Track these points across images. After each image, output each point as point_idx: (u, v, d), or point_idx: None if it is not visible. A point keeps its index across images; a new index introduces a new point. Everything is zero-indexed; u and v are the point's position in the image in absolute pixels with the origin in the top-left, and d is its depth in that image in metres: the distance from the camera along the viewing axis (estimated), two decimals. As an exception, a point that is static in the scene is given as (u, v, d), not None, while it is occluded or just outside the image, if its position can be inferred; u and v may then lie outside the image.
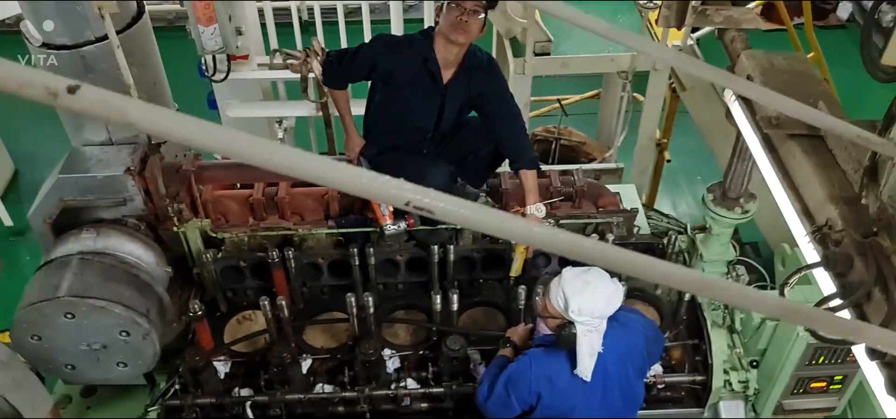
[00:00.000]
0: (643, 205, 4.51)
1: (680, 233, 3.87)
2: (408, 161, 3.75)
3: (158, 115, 0.74)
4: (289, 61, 5.88)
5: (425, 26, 4.18)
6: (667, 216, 4.34)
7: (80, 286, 3.40)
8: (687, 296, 3.56)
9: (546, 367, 3.00)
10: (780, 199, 1.87)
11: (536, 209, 3.67)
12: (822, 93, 1.82)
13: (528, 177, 3.71)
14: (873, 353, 1.48)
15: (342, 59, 3.79)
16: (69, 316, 3.38)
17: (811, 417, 3.72)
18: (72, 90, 0.67)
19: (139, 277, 3.63)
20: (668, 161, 6.06)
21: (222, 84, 5.84)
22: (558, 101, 6.17)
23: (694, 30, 5.18)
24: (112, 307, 3.39)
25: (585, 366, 2.94)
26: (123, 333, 3.45)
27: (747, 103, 1.98)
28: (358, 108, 4.32)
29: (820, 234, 1.62)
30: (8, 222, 7.00)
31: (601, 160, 5.75)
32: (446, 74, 3.67)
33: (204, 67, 5.69)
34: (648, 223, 4.22)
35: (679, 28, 3.39)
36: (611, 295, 2.95)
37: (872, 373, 1.54)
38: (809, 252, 1.69)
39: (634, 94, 5.53)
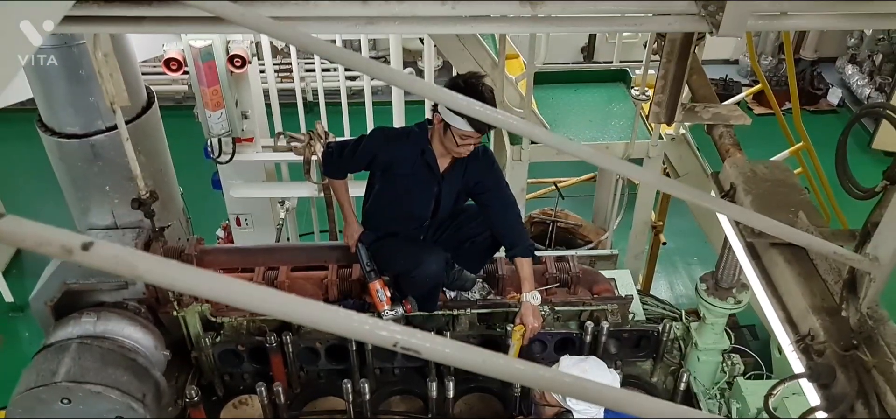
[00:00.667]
0: (639, 290, 4.55)
1: (675, 319, 3.91)
2: (405, 248, 3.81)
3: (166, 269, 0.81)
4: (292, 144, 6.02)
5: (425, 108, 4.27)
6: (662, 302, 4.39)
7: (78, 371, 3.43)
8: (682, 386, 3.58)
9: None
10: (765, 307, 1.92)
11: (532, 297, 3.71)
12: (802, 202, 1.90)
13: (524, 265, 3.76)
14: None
15: (343, 150, 3.87)
16: (65, 401, 3.40)
17: None
18: (86, 247, 0.74)
19: (137, 362, 3.65)
20: (664, 244, 6.14)
21: (227, 165, 5.96)
22: (555, 184, 6.28)
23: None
24: (109, 392, 3.42)
25: None
26: (119, 419, 3.47)
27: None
28: (357, 190, 4.41)
29: (803, 345, 1.67)
30: (9, 298, 7.05)
31: (597, 243, 5.83)
32: (442, 164, 3.75)
33: (210, 150, 5.82)
34: (643, 309, 4.26)
35: (669, 124, 3.49)
36: (607, 384, 2.97)
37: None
38: (794, 361, 1.74)
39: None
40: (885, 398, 1.50)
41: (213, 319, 3.93)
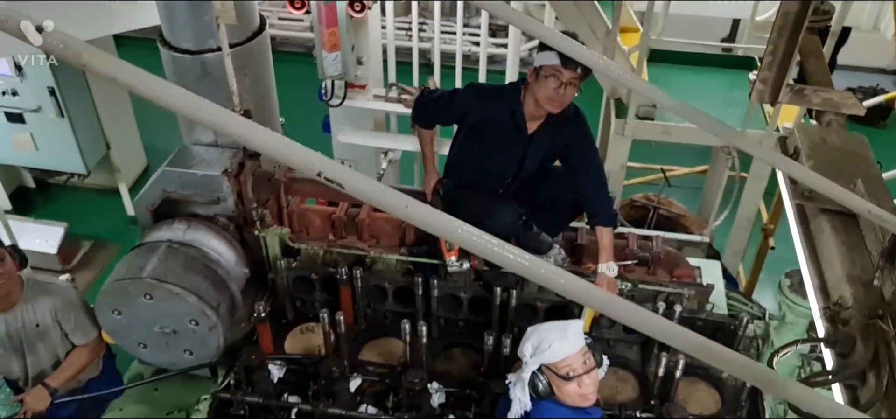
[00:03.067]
0: (730, 287, 4.28)
1: (757, 318, 3.66)
2: (480, 198, 3.78)
3: (107, 63, 0.83)
4: (403, 96, 6.10)
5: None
6: (750, 301, 4.11)
7: (162, 271, 3.64)
8: (750, 385, 3.35)
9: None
10: (803, 272, 1.77)
11: (608, 268, 3.59)
12: (869, 175, 1.71)
13: (605, 234, 3.64)
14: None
15: (437, 102, 3.89)
16: (148, 297, 3.62)
17: None
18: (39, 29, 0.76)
19: (217, 273, 3.84)
20: (772, 248, 5.74)
21: (338, 109, 6.13)
22: (662, 170, 6.02)
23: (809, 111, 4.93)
24: (186, 296, 3.61)
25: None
26: (193, 322, 3.66)
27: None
28: (442, 149, 4.41)
29: (830, 312, 1.51)
30: (130, 212, 7.61)
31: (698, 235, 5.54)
32: (531, 126, 3.69)
33: (323, 91, 6.00)
34: (727, 304, 4.01)
35: (772, 104, 3.24)
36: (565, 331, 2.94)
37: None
38: (821, 330, 1.58)
39: (741, 173, 5.32)
40: (897, 371, 1.34)
41: (292, 245, 4.06)
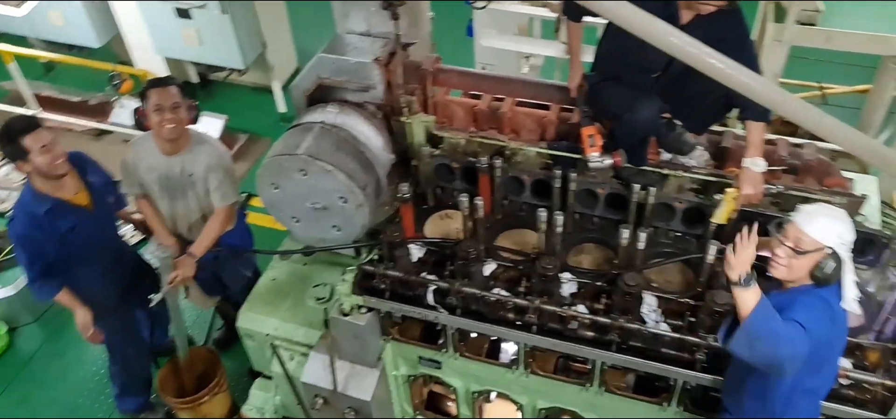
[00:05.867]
0: (886, 203, 4.04)
1: (914, 234, 3.46)
2: (622, 91, 3.74)
3: None
4: (549, 0, 6.05)
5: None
6: (907, 218, 3.87)
7: (316, 149, 3.88)
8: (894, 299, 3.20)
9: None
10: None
11: (753, 163, 3.49)
12: None
13: (755, 129, 3.53)
14: None
15: None
16: (303, 172, 3.87)
17: None
18: None
19: (365, 155, 4.05)
20: (941, 175, 5.30)
21: (482, 13, 6.17)
22: (819, 87, 5.66)
23: None
24: (337, 173, 3.83)
25: (851, 297, 2.88)
26: (342, 199, 3.89)
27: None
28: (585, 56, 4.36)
29: None
30: (281, 109, 8.07)
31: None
32: (686, 15, 3.58)
33: (471, -6, 6.05)
34: (883, 221, 3.80)
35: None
36: (851, 224, 2.89)
37: None
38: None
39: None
40: None
41: (436, 133, 4.20)
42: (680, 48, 1.01)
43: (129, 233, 5.26)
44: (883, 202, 3.97)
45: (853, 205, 3.54)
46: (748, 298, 2.79)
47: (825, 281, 2.84)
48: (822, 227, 2.81)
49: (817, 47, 4.70)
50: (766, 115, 3.51)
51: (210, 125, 7.33)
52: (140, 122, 4.36)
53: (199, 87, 8.64)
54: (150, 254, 4.54)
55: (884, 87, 5.12)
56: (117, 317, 4.82)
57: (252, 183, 4.65)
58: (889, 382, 3.16)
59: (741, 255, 2.80)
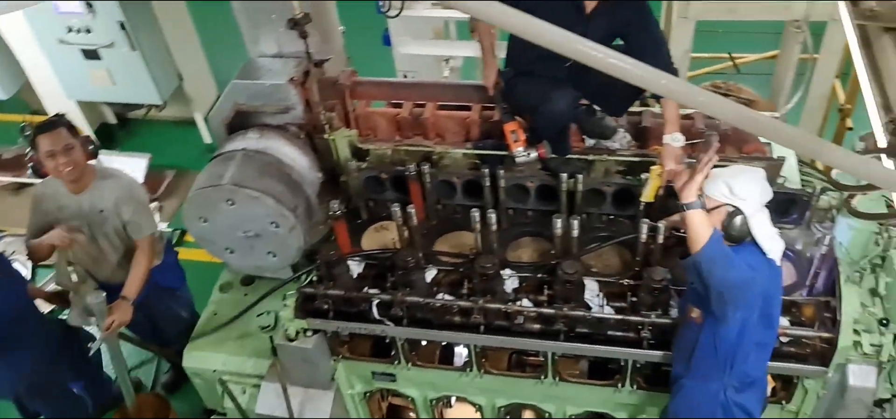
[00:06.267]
0: (804, 162, 4.18)
1: (831, 189, 3.59)
2: (536, 85, 3.76)
3: None
4: (460, 2, 6.07)
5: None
6: (826, 176, 4.02)
7: (241, 177, 3.81)
8: (823, 250, 3.32)
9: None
10: (864, 91, 1.75)
11: (672, 139, 3.57)
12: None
13: (670, 105, 3.61)
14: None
15: None
16: (230, 202, 3.80)
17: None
18: None
19: (291, 177, 4.00)
20: (850, 129, 5.55)
21: (397, 21, 6.13)
22: (730, 56, 5.85)
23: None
24: (265, 199, 3.77)
25: (772, 248, 3.01)
26: (273, 224, 3.83)
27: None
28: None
29: (893, 126, 1.50)
30: (207, 140, 7.90)
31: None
32: (589, 5, 3.64)
33: (381, 4, 6.03)
34: (801, 180, 3.94)
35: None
36: (764, 180, 3.07)
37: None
38: (881, 141, 1.57)
39: (813, 55, 5.13)
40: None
41: (361, 147, 4.17)
42: (583, 54, 1.03)
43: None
44: (801, 162, 4.11)
45: (773, 168, 3.66)
46: (702, 219, 2.94)
47: (737, 237, 2.99)
48: (720, 186, 3.00)
49: (722, 19, 4.85)
50: None
51: (133, 165, 7.10)
52: (37, 170, 4.20)
53: (118, 127, 8.39)
54: (75, 318, 4.34)
55: (790, 51, 5.32)
56: (50, 392, 4.62)
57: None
58: (825, 334, 3.28)
59: (698, 177, 2.96)
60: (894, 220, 3.33)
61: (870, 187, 3.14)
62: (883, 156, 1.53)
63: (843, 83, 5.78)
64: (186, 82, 7.70)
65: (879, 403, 3.51)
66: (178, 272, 4.96)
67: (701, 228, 2.92)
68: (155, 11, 7.16)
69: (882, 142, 1.57)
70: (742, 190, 2.97)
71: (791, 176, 3.96)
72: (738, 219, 2.97)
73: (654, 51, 3.59)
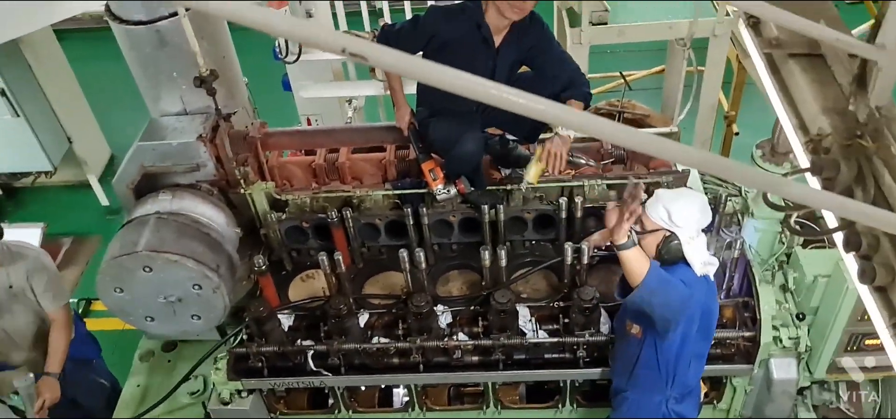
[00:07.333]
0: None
1: (734, 195, 3.84)
2: (447, 126, 3.82)
3: None
4: (359, 42, 6.10)
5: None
6: (726, 182, 4.28)
7: (157, 242, 3.68)
8: (736, 253, 3.55)
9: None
10: (780, 115, 1.91)
11: (564, 129, 3.69)
12: (829, 16, 1.84)
13: (575, 108, 3.75)
14: (848, 244, 1.52)
15: (400, 33, 3.87)
16: (147, 269, 3.65)
17: (871, 376, 3.63)
18: None
19: (210, 236, 3.89)
20: (737, 134, 5.95)
21: (295, 66, 6.10)
22: (621, 75, 6.16)
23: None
24: (185, 261, 3.65)
25: (706, 271, 3.14)
26: (196, 286, 3.71)
27: (755, 29, 2.03)
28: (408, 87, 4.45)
29: (812, 144, 1.65)
30: (104, 202, 7.56)
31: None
32: (498, 39, 3.76)
33: (278, 50, 5.98)
34: (704, 188, 4.19)
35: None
36: (703, 205, 3.19)
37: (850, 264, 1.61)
38: (803, 161, 1.73)
39: (698, 68, 5.48)
40: (882, 180, 1.49)
41: (279, 197, 4.12)
42: (483, 93, 1.09)
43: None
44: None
45: (679, 180, 3.87)
46: (637, 256, 3.05)
47: (671, 261, 3.12)
48: (660, 210, 3.13)
49: (613, 43, 5.12)
50: (588, 98, 3.77)
51: (27, 236, 6.70)
52: None
53: (5, 198, 7.91)
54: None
55: (676, 66, 5.67)
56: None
57: (88, 288, 4.32)
58: (747, 333, 3.49)
59: (624, 225, 3.05)
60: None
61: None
62: (807, 174, 1.67)
63: (725, 92, 6.18)
64: (77, 144, 7.35)
65: (800, 391, 3.76)
66: (91, 342, 4.75)
67: (638, 264, 3.03)
68: (36, 74, 6.83)
69: (804, 162, 1.71)
70: (679, 217, 3.09)
71: (695, 184, 4.19)
72: (674, 245, 3.09)
73: (560, 67, 3.77)
